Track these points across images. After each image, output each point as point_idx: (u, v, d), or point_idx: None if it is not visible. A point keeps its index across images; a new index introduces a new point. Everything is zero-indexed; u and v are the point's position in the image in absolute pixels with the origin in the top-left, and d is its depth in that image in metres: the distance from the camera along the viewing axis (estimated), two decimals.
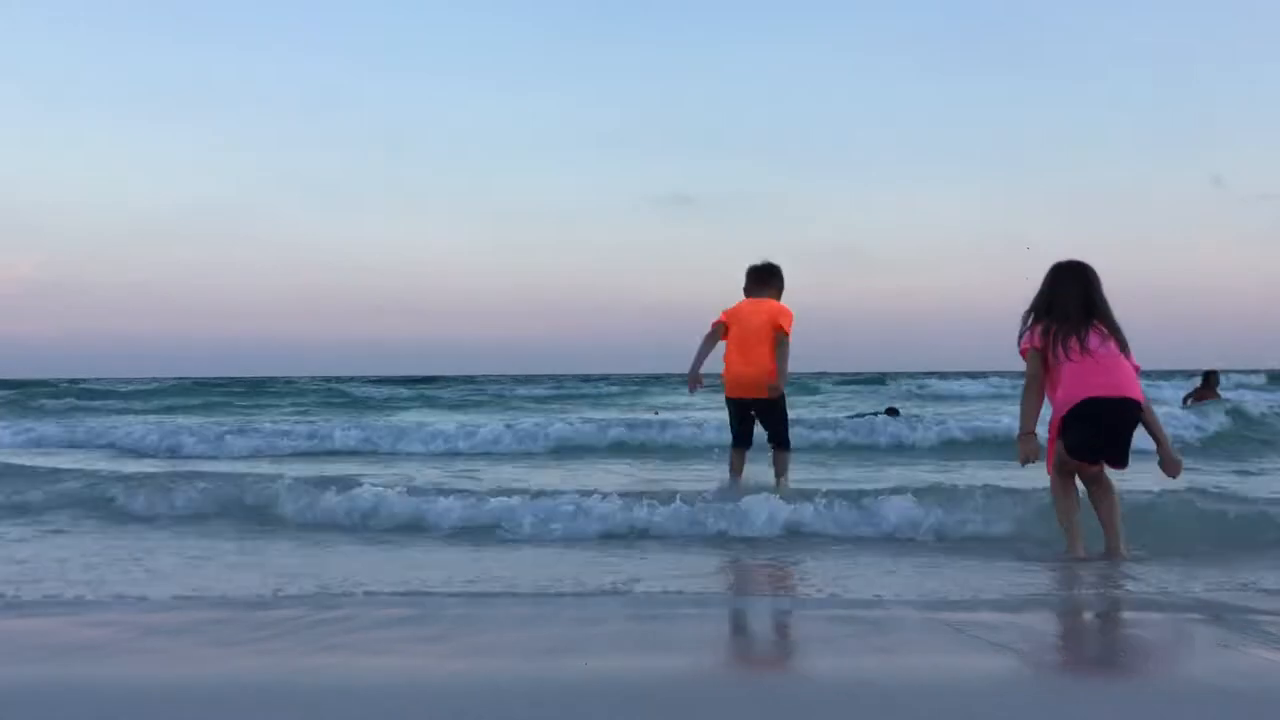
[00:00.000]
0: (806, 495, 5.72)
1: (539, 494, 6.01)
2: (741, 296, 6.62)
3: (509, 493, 6.11)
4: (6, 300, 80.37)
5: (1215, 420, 12.00)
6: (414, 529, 5.76)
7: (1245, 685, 2.56)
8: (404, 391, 35.52)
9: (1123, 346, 4.63)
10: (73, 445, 13.57)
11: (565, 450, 11.91)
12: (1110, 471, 4.74)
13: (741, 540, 5.33)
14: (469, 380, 55.48)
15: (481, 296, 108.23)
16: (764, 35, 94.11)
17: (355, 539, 5.52)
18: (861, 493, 5.80)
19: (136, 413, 24.14)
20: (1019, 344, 4.79)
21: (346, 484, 6.41)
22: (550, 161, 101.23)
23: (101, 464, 9.88)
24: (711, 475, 7.98)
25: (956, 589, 4.01)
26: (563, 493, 6.03)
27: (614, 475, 9.07)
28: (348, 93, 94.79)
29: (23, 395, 31.69)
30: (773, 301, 6.49)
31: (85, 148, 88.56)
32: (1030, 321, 4.76)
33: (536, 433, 12.56)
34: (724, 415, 6.81)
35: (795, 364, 6.41)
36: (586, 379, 58.34)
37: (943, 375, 50.04)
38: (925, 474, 8.28)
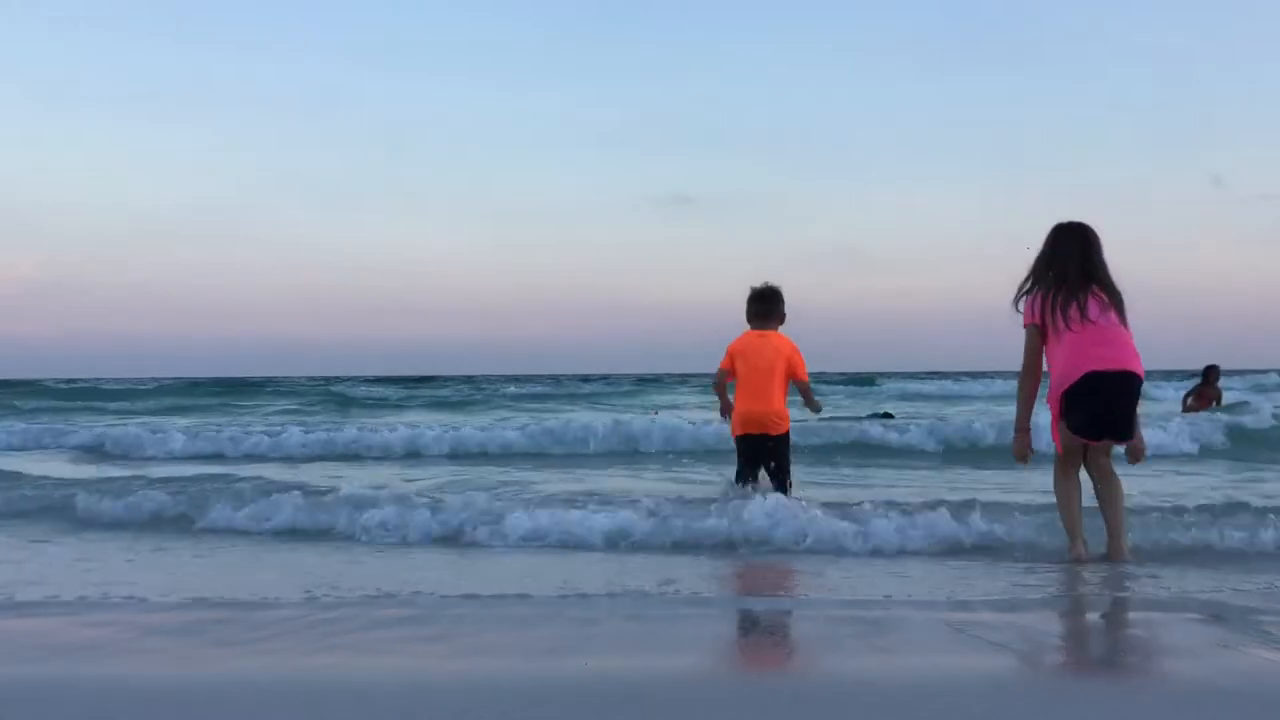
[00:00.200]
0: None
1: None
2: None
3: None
4: (6, 300, 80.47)
5: (1213, 436, 11.33)
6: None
7: (1245, 685, 2.56)
8: (400, 391, 35.54)
9: (1120, 311, 4.62)
10: (24, 447, 13.36)
11: (561, 452, 11.81)
12: (1118, 468, 4.74)
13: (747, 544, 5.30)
14: (467, 380, 55.48)
15: (481, 296, 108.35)
16: (764, 35, 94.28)
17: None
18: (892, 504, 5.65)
19: (114, 414, 23.63)
20: (1015, 306, 4.77)
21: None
22: (550, 161, 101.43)
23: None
24: (711, 477, 8.00)
25: (957, 589, 4.01)
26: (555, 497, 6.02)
27: (613, 479, 9.06)
28: (348, 93, 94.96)
29: (6, 394, 31.77)
30: (780, 338, 6.34)
31: (85, 148, 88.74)
32: (1030, 286, 4.75)
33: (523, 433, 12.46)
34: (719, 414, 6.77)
35: None
36: (586, 379, 58.34)
37: (943, 375, 50.14)
38: (928, 481, 8.28)
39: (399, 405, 28.98)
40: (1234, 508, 5.48)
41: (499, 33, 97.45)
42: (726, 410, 6.40)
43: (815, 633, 3.34)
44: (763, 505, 5.44)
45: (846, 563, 4.71)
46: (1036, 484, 7.40)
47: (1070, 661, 3.04)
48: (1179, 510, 5.42)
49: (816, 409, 6.48)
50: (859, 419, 14.03)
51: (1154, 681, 2.71)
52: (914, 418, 14.83)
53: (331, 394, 34.48)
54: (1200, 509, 5.41)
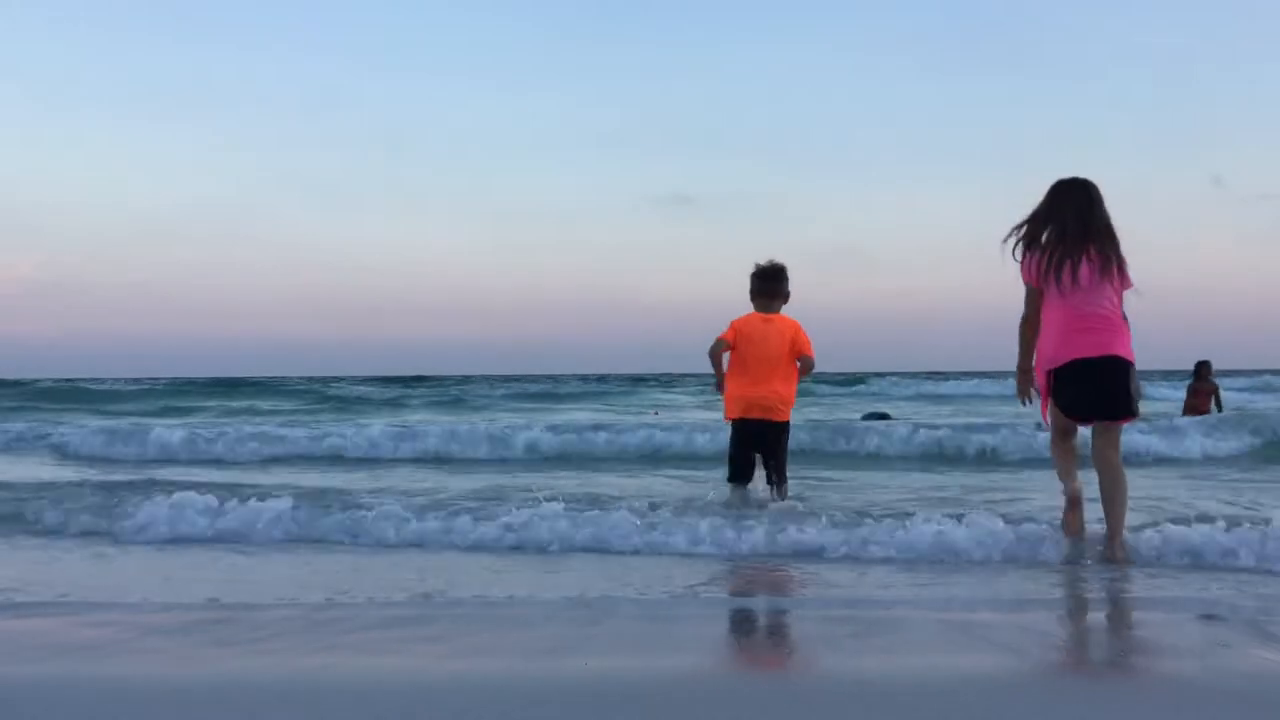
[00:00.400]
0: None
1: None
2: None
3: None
4: (6, 300, 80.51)
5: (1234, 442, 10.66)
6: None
7: (1245, 685, 2.56)
8: (398, 391, 35.54)
9: (1119, 266, 4.62)
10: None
11: (558, 454, 11.60)
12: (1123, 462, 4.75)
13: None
14: (466, 380, 55.49)
15: (481, 296, 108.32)
16: (764, 35, 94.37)
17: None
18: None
19: (101, 414, 22.91)
20: (1008, 250, 4.77)
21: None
22: (550, 161, 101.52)
23: None
24: (708, 476, 7.99)
25: (957, 589, 4.01)
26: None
27: (613, 480, 9.06)
28: (348, 93, 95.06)
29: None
30: (786, 320, 6.11)
31: (85, 148, 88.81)
32: (1023, 238, 4.75)
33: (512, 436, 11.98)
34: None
35: None
36: (585, 379, 58.36)
37: (943, 376, 50.16)
38: (924, 482, 8.26)
39: (396, 404, 28.97)
40: (1235, 510, 5.48)
41: (499, 33, 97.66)
42: (723, 384, 6.09)
43: (815, 633, 3.34)
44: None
45: (847, 565, 4.71)
46: (1037, 486, 7.41)
47: (1070, 661, 3.04)
48: (1182, 510, 5.42)
49: (788, 401, 6.08)
50: (854, 420, 14.02)
51: (1154, 681, 2.71)
52: (912, 418, 14.83)
53: (328, 395, 34.43)
54: (1200, 514, 5.40)
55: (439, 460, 11.00)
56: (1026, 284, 4.77)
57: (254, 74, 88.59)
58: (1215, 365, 14.52)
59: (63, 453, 12.08)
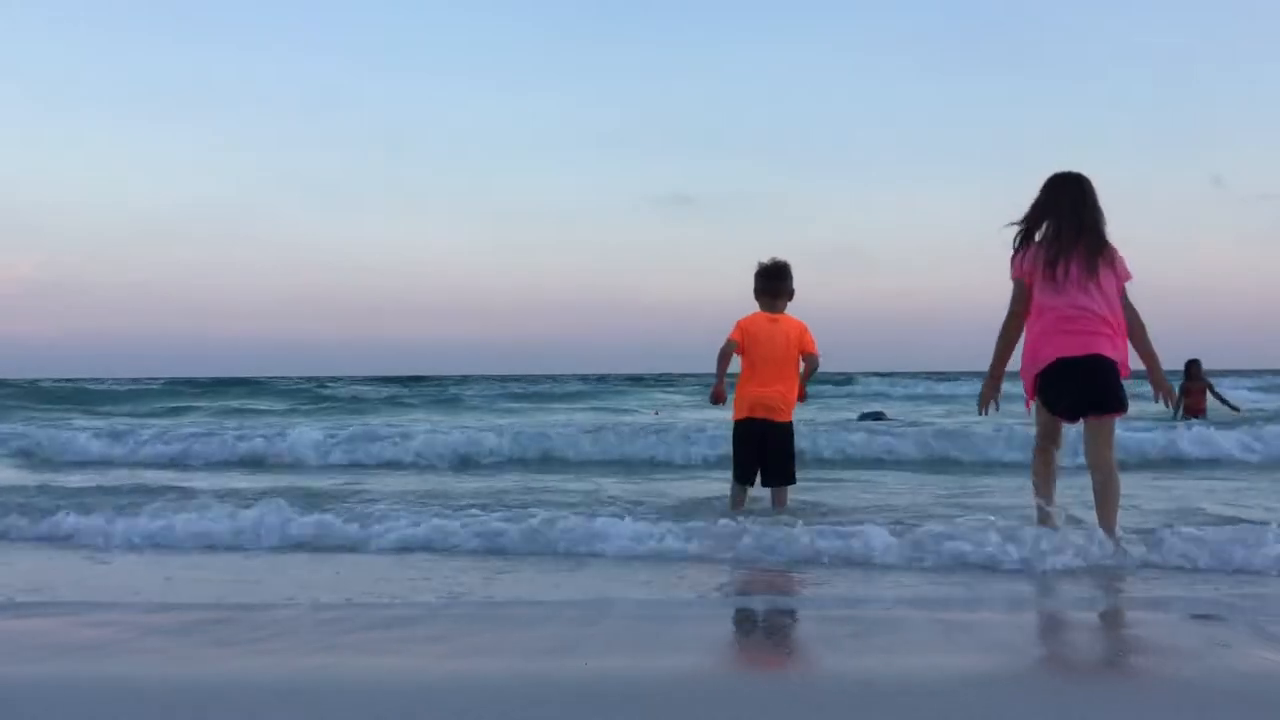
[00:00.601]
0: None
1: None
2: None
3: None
4: (6, 300, 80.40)
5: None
6: None
7: (1245, 685, 2.57)
8: (398, 390, 35.52)
9: (1110, 263, 4.62)
10: None
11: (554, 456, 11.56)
12: (1119, 474, 4.73)
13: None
14: (465, 380, 55.49)
15: (481, 296, 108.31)
16: (764, 35, 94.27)
17: None
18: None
19: (90, 415, 22.56)
20: (1011, 242, 4.78)
21: None
22: (550, 161, 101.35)
23: None
24: (708, 476, 8.00)
25: (957, 590, 4.01)
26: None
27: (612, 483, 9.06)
28: (348, 93, 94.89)
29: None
30: (792, 320, 6.10)
31: (85, 148, 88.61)
32: (1020, 238, 4.76)
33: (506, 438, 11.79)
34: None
35: None
36: (585, 379, 58.36)
37: (942, 376, 50.12)
38: (920, 483, 8.25)
39: (396, 404, 28.95)
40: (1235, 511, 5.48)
41: (499, 33, 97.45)
42: (720, 393, 6.05)
43: (815, 633, 3.34)
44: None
45: (845, 566, 4.71)
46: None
47: (1070, 662, 3.04)
48: (1182, 512, 5.42)
49: (801, 397, 6.15)
50: (850, 421, 14.00)
51: (1154, 682, 2.71)
52: (909, 419, 14.83)
53: (321, 395, 34.36)
54: (1201, 516, 5.41)
55: (439, 460, 10.99)
56: (1016, 279, 4.76)
57: (254, 74, 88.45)
58: (1216, 365, 14.54)
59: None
